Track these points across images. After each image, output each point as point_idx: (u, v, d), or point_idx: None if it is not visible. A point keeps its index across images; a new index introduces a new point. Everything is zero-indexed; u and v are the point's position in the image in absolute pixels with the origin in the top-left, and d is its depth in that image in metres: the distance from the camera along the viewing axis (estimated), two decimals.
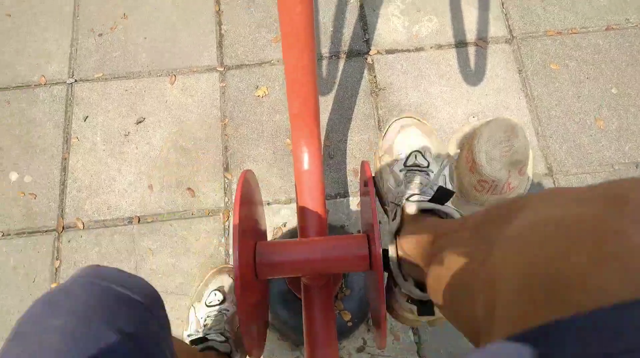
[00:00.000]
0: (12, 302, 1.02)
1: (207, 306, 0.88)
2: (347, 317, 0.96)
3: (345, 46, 1.26)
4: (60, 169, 1.14)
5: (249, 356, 0.65)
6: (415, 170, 0.68)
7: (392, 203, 0.68)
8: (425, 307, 0.61)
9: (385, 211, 0.76)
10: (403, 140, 0.73)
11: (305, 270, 0.69)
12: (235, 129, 1.17)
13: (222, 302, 0.88)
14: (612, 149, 1.14)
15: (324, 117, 1.17)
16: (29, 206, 1.10)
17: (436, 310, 0.61)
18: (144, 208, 1.10)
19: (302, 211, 0.79)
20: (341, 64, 1.24)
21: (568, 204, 0.27)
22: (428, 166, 0.69)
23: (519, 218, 0.30)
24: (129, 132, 1.17)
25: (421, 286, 0.60)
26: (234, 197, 1.10)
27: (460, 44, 1.25)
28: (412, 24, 1.28)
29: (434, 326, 0.84)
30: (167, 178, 1.13)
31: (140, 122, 1.18)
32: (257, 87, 1.21)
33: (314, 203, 0.80)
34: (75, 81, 1.23)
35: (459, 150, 1.10)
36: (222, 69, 1.23)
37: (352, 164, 1.13)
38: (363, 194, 0.75)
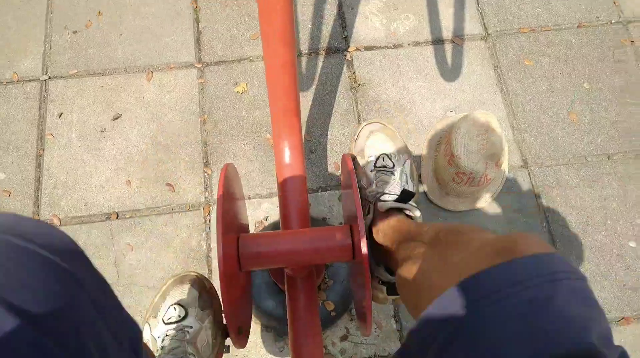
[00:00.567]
0: None
1: (165, 323, 0.72)
2: (331, 306, 0.96)
3: (324, 43, 1.27)
4: (35, 166, 1.11)
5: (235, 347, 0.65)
6: (383, 171, 0.79)
7: (366, 200, 0.78)
8: (392, 288, 0.74)
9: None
10: (372, 144, 0.84)
11: (289, 261, 0.70)
12: (214, 125, 1.16)
13: (183, 318, 0.72)
14: (585, 142, 1.17)
15: (305, 113, 1.17)
16: (4, 203, 1.07)
17: None
18: (122, 203, 1.08)
19: (284, 204, 0.79)
20: (320, 60, 1.25)
21: (483, 247, 0.43)
22: (393, 167, 0.79)
23: (458, 250, 0.47)
24: (105, 129, 1.15)
25: (389, 270, 0.72)
26: (214, 192, 1.10)
27: (438, 41, 1.27)
28: (390, 22, 1.29)
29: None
30: (146, 173, 1.11)
31: (116, 118, 1.16)
32: (237, 83, 1.21)
33: (295, 196, 0.80)
34: (49, 77, 1.20)
35: (428, 149, 1.12)
36: (200, 66, 1.22)
37: (333, 158, 1.14)
38: (345, 186, 0.76)
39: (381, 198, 0.74)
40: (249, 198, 1.09)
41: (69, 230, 1.05)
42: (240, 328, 0.67)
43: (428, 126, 1.17)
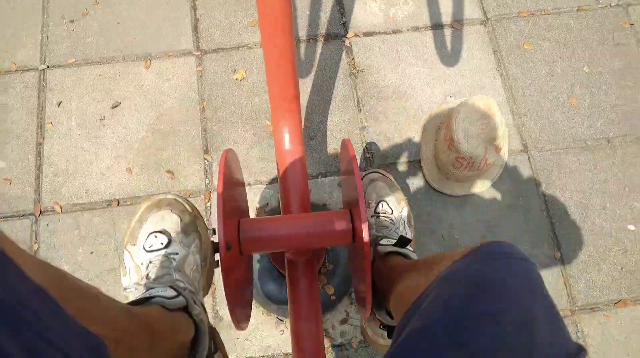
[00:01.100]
0: None
1: (147, 251, 0.66)
2: (331, 290, 0.97)
3: (322, 29, 1.26)
4: (35, 154, 1.11)
5: (236, 329, 0.65)
6: (382, 217, 0.85)
7: None
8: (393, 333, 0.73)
9: None
10: (372, 192, 0.89)
11: (289, 244, 0.70)
12: (214, 112, 1.16)
13: (166, 245, 0.66)
14: (585, 126, 1.17)
15: (304, 100, 1.17)
16: (4, 191, 1.08)
17: None
18: (123, 191, 1.09)
19: (284, 189, 0.80)
20: (319, 47, 1.24)
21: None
22: (392, 213, 0.85)
23: (442, 264, 0.51)
24: (104, 117, 1.15)
25: (391, 314, 0.72)
26: (214, 178, 1.10)
27: (437, 26, 1.26)
28: (389, 7, 1.28)
29: None
30: (146, 161, 1.11)
31: (115, 106, 1.16)
32: (235, 70, 1.20)
33: (296, 181, 0.80)
34: (48, 67, 1.20)
35: (427, 133, 1.12)
36: (198, 53, 1.22)
37: (332, 145, 1.14)
38: (344, 172, 0.76)
39: (381, 242, 0.78)
40: (249, 184, 1.10)
41: (71, 217, 1.06)
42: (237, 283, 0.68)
43: (428, 112, 1.17)
